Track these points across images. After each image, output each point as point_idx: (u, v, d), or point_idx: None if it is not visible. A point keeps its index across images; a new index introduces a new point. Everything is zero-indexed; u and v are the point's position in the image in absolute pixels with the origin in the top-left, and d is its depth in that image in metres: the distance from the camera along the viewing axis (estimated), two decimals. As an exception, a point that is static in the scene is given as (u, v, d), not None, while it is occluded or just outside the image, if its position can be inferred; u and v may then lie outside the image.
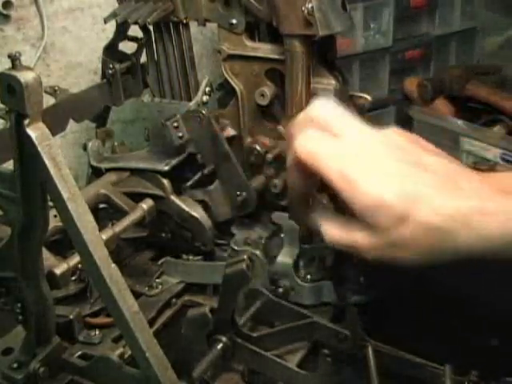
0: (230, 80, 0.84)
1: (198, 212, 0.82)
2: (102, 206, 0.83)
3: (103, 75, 0.95)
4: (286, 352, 0.71)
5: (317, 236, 0.57)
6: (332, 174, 0.49)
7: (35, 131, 0.50)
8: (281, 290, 0.79)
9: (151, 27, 0.90)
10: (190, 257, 0.85)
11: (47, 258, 0.66)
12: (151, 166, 0.83)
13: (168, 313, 0.80)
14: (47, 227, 0.57)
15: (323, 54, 0.80)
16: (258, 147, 0.84)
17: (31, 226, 0.56)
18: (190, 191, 0.85)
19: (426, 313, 0.76)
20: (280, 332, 0.71)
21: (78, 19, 1.16)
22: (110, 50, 0.94)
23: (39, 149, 0.50)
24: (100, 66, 0.95)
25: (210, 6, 0.83)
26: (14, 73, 0.48)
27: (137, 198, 0.81)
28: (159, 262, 0.86)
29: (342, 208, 0.53)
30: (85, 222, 0.52)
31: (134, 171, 0.85)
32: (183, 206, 0.82)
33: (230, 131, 0.86)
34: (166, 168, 0.82)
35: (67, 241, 0.54)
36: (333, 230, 0.52)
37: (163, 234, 0.86)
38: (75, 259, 0.65)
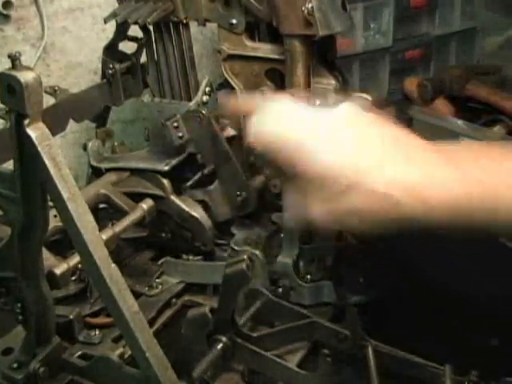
0: (230, 80, 0.84)
1: (198, 212, 0.82)
2: (102, 206, 0.83)
3: (103, 75, 0.95)
4: (286, 352, 0.71)
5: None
6: (287, 148, 0.51)
7: (35, 131, 0.50)
8: (281, 290, 0.79)
9: (151, 27, 0.90)
10: (190, 257, 0.85)
11: (47, 258, 0.66)
12: (151, 165, 0.83)
13: (168, 313, 0.80)
14: (47, 227, 0.57)
15: (323, 54, 0.80)
16: (257, 147, 0.84)
17: (31, 225, 0.56)
18: (190, 191, 0.85)
19: (426, 313, 0.76)
20: (280, 332, 0.71)
21: (78, 19, 1.16)
22: (110, 50, 0.94)
23: (39, 149, 0.50)
24: (100, 66, 0.95)
25: (210, 6, 0.83)
26: (14, 73, 0.48)
27: (137, 197, 0.81)
28: (159, 262, 0.86)
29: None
30: (85, 222, 0.52)
31: (134, 171, 0.85)
32: (183, 206, 0.82)
33: (230, 131, 0.86)
34: (166, 168, 0.82)
35: (67, 241, 0.54)
36: (291, 208, 0.55)
37: (163, 234, 0.86)
38: (75, 259, 0.65)
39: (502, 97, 1.47)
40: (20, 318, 0.63)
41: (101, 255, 0.52)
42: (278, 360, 0.66)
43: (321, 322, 0.70)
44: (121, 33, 0.92)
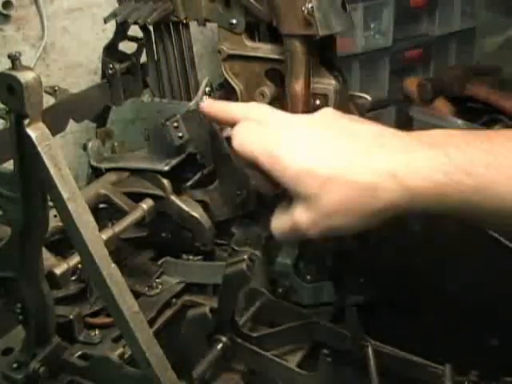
0: (230, 80, 0.84)
1: (197, 212, 0.82)
2: (101, 205, 0.83)
3: (103, 75, 0.95)
4: (286, 352, 0.71)
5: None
6: (259, 156, 0.51)
7: (35, 131, 0.50)
8: (281, 290, 0.79)
9: (151, 27, 0.90)
10: (190, 257, 0.85)
11: (47, 258, 0.65)
12: (151, 165, 0.83)
13: (168, 313, 0.80)
14: (47, 227, 0.57)
15: (323, 54, 0.80)
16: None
17: (31, 226, 0.56)
18: (190, 191, 0.85)
19: (426, 313, 0.77)
20: (280, 332, 0.71)
21: (78, 19, 1.16)
22: (110, 50, 0.94)
23: (39, 149, 0.50)
24: (100, 65, 0.95)
25: (210, 6, 0.83)
26: (14, 73, 0.48)
27: (137, 197, 0.81)
28: (159, 262, 0.86)
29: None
30: (85, 222, 0.52)
31: (134, 171, 0.85)
32: (183, 206, 0.82)
33: (230, 131, 0.86)
34: (166, 168, 0.82)
35: (67, 241, 0.54)
36: (275, 221, 0.54)
37: (163, 234, 0.86)
38: (75, 259, 0.65)
39: (501, 97, 1.47)
40: (20, 317, 0.63)
41: (101, 255, 0.52)
42: (278, 360, 0.66)
43: (321, 322, 0.70)
44: (121, 33, 0.92)
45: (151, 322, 0.76)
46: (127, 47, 0.95)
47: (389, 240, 0.85)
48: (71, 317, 0.71)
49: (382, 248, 0.86)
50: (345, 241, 0.76)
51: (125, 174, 0.85)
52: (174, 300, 0.82)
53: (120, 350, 0.65)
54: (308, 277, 0.80)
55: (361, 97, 0.84)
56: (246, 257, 0.63)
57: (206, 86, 0.87)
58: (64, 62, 1.15)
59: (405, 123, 1.51)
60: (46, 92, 0.91)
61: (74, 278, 0.75)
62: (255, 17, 0.80)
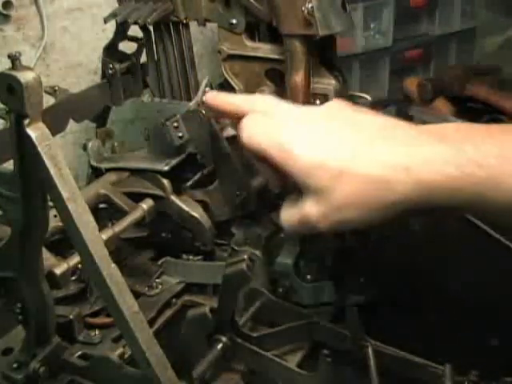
0: (230, 80, 0.84)
1: (197, 212, 0.82)
2: (101, 206, 0.83)
3: (103, 75, 0.95)
4: (285, 352, 0.71)
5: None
6: (268, 148, 0.51)
7: (35, 131, 0.50)
8: (281, 289, 0.79)
9: (151, 27, 0.90)
10: (190, 257, 0.85)
11: (47, 258, 0.65)
12: (151, 166, 0.83)
13: (168, 313, 0.80)
14: (47, 227, 0.57)
15: (323, 54, 0.80)
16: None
17: (31, 226, 0.56)
18: (190, 191, 0.85)
19: (426, 312, 0.77)
20: (280, 332, 0.71)
21: (78, 19, 1.16)
22: (110, 50, 0.94)
23: (39, 149, 0.50)
24: (100, 65, 0.95)
25: (210, 6, 0.83)
26: (14, 73, 0.48)
27: (137, 197, 0.81)
28: (159, 262, 0.86)
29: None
30: (85, 222, 0.52)
31: (134, 171, 0.85)
32: (183, 206, 0.82)
33: (230, 131, 0.86)
34: (166, 168, 0.82)
35: (67, 241, 0.54)
36: (284, 214, 0.53)
37: (163, 234, 0.86)
38: (75, 259, 0.65)
39: (501, 97, 1.47)
40: (20, 318, 0.63)
41: (101, 255, 0.52)
42: (278, 360, 0.66)
43: (321, 322, 0.70)
44: (121, 33, 0.92)
45: (151, 322, 0.76)
46: (127, 47, 0.95)
47: (390, 239, 0.85)
48: (71, 317, 0.71)
49: (384, 247, 0.86)
50: (344, 237, 0.76)
51: (125, 174, 0.85)
52: (174, 300, 0.82)
53: (120, 350, 0.65)
54: (308, 276, 0.80)
55: (361, 97, 0.84)
56: (246, 257, 0.62)
57: (206, 85, 0.87)
58: (64, 61, 1.15)
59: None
60: (46, 92, 0.91)
61: (74, 278, 0.75)
62: (255, 17, 0.80)
